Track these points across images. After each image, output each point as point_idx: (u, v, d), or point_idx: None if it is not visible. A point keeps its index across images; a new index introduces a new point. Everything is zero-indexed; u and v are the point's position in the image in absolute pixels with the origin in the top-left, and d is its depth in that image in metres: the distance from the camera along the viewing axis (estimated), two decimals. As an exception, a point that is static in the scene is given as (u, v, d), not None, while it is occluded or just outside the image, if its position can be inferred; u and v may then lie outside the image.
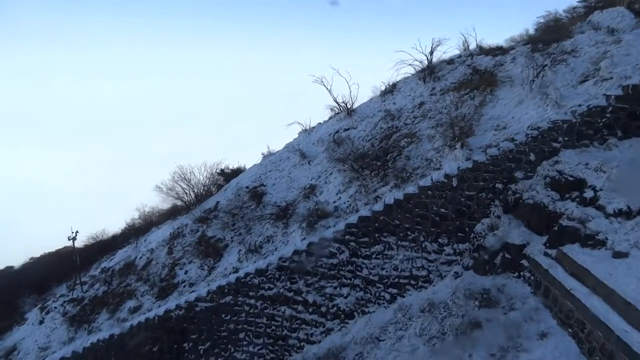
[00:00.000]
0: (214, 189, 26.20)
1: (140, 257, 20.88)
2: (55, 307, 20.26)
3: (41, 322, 19.93)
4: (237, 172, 27.48)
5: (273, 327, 14.76)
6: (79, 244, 33.32)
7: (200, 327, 15.24)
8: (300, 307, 14.63)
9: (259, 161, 24.45)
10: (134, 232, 28.27)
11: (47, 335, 18.78)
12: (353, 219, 14.65)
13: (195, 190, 23.66)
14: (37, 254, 36.20)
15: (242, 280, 15.07)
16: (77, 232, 22.63)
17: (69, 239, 22.46)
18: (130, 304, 17.89)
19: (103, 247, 29.79)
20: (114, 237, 31.31)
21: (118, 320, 17.30)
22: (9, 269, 34.62)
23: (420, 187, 13.97)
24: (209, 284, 16.01)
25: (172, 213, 28.97)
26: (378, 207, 14.46)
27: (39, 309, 21.04)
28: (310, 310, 14.49)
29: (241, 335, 14.96)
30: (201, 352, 15.12)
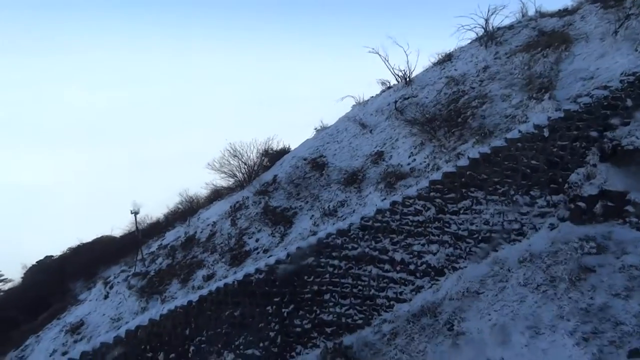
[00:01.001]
0: (259, 170, 26.01)
1: (201, 232, 20.75)
2: (119, 282, 20.22)
3: (106, 297, 19.88)
4: (282, 152, 27.27)
5: (360, 287, 14.49)
6: (120, 231, 33.61)
7: (282, 290, 14.99)
8: (387, 266, 14.35)
9: (312, 135, 24.27)
10: (179, 215, 28.24)
11: (116, 308, 18.71)
12: (437, 175, 14.36)
13: (247, 166, 23.50)
14: (74, 245, 36.29)
15: (324, 241, 14.82)
16: (139, 206, 22.72)
17: (131, 213, 22.55)
18: (202, 272, 17.72)
19: (149, 230, 29.78)
20: (158, 222, 31.36)
21: (193, 288, 17.15)
22: (48, 258, 34.76)
23: (509, 140, 13.65)
24: (286, 248, 15.77)
25: (216, 196, 28.89)
26: (463, 162, 14.16)
27: (103, 284, 20.99)
28: (398, 268, 14.22)
29: (326, 297, 14.69)
30: (285, 314, 14.86)
